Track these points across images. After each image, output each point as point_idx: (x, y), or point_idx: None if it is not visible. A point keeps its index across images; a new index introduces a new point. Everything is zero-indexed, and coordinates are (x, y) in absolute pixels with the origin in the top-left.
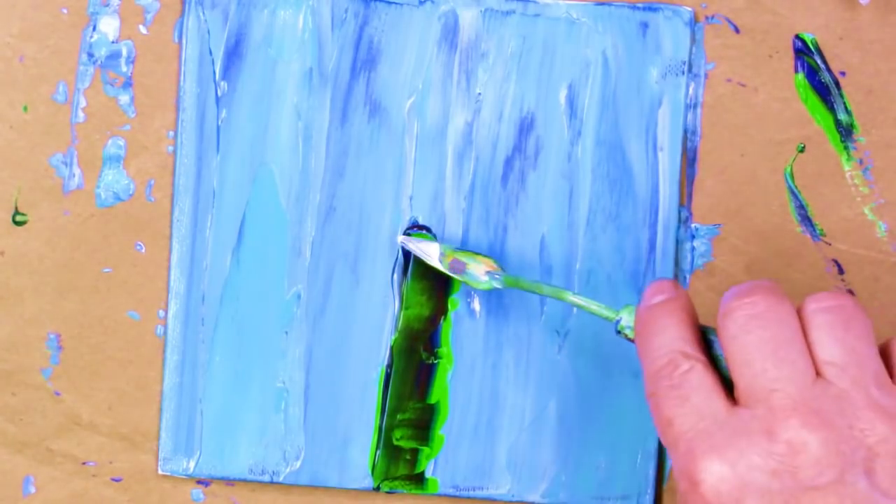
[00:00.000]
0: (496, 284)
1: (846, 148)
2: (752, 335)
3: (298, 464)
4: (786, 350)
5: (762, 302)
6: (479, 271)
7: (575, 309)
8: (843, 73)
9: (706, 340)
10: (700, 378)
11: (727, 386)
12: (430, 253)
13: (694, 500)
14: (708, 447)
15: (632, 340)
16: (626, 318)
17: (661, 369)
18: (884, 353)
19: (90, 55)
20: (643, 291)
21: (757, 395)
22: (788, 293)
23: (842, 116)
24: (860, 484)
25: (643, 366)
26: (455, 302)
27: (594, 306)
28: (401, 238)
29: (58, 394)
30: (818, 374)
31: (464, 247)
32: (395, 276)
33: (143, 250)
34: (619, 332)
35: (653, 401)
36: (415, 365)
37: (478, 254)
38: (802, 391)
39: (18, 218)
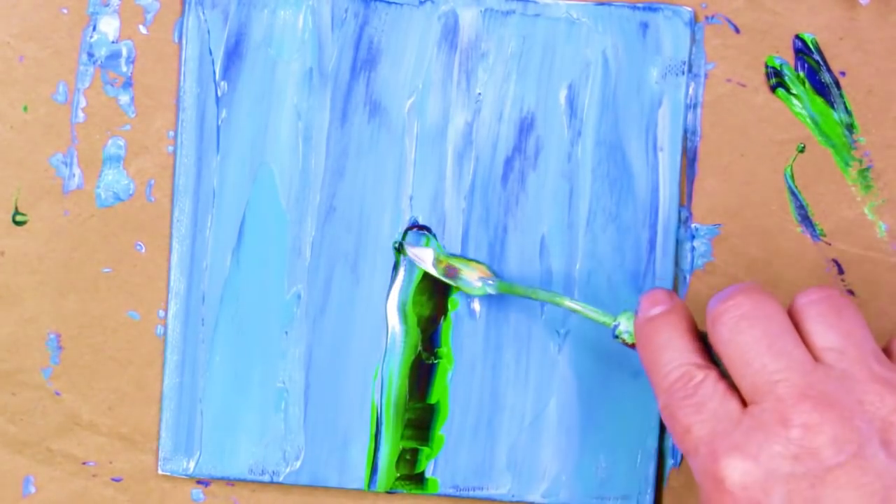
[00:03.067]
0: (490, 290)
1: (846, 148)
2: (744, 335)
3: (298, 464)
4: (780, 342)
5: (747, 301)
6: (472, 277)
7: None
8: (843, 73)
9: (707, 345)
10: (714, 385)
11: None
12: (424, 258)
13: (720, 500)
14: (729, 446)
15: (630, 346)
16: (624, 324)
17: (675, 382)
18: (885, 352)
19: (90, 55)
20: (639, 301)
21: (762, 389)
22: (788, 293)
23: (842, 116)
24: (879, 455)
25: (652, 379)
26: (455, 302)
27: (591, 312)
28: (397, 242)
29: (58, 394)
30: (818, 361)
31: (463, 248)
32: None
33: (143, 250)
34: (616, 338)
35: (667, 412)
36: (415, 365)
37: (472, 260)
38: (806, 377)
39: (18, 218)
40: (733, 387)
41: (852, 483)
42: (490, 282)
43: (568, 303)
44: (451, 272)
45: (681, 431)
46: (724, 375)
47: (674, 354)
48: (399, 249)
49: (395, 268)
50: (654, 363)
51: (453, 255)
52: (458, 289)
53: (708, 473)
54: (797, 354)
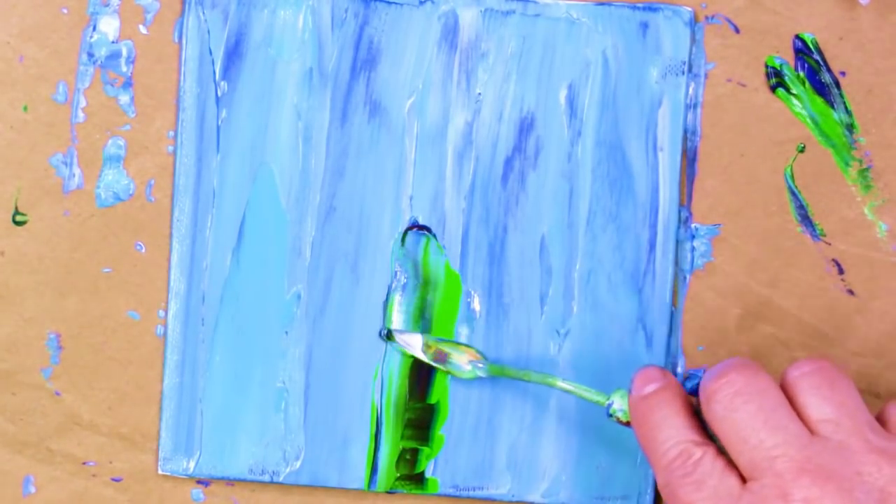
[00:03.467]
0: (480, 374)
1: (846, 148)
2: (739, 412)
3: (298, 464)
4: (775, 417)
5: (739, 378)
6: (462, 361)
7: (575, 308)
8: (843, 73)
9: (703, 422)
10: (712, 462)
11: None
12: (413, 344)
13: None
14: None
15: (624, 424)
16: (618, 402)
17: (674, 461)
18: (879, 419)
19: (90, 55)
20: (632, 380)
21: (761, 466)
22: (788, 293)
23: (842, 116)
24: None
25: (650, 457)
26: (456, 306)
27: (583, 392)
28: (384, 330)
29: (58, 394)
30: (813, 433)
31: (463, 248)
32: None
33: (143, 250)
34: (610, 416)
35: (668, 490)
36: (415, 365)
37: (461, 344)
38: (803, 451)
39: (18, 218)
40: (731, 463)
41: None
42: (480, 365)
43: (560, 383)
44: (441, 357)
45: None
46: (722, 451)
47: (671, 432)
48: (387, 337)
49: (396, 275)
50: (651, 441)
51: (442, 340)
52: (451, 372)
53: None
54: (793, 428)
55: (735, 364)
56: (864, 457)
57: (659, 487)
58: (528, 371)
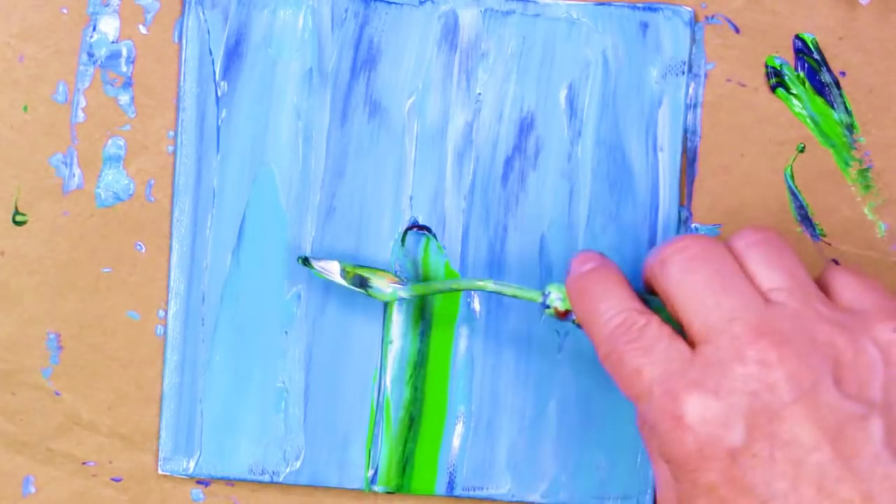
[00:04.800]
0: (402, 294)
1: (846, 148)
2: (696, 274)
3: (298, 464)
4: (733, 282)
5: (695, 244)
6: (381, 284)
7: None
8: (843, 73)
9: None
10: (658, 328)
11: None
12: (332, 269)
13: (679, 437)
14: (686, 383)
15: (562, 315)
16: (555, 293)
17: (617, 328)
18: (819, 283)
19: (90, 55)
20: (569, 263)
21: (717, 328)
22: None
23: (842, 116)
24: (832, 392)
25: (591, 330)
26: (456, 305)
27: (517, 290)
28: (301, 257)
29: (58, 394)
30: (766, 300)
31: (463, 248)
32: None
33: (143, 250)
34: (547, 308)
35: (613, 358)
36: (415, 365)
37: (378, 269)
38: (759, 316)
39: (18, 218)
40: (678, 331)
41: (808, 418)
42: (401, 287)
43: (492, 285)
44: (360, 282)
45: (630, 375)
46: (667, 321)
47: (612, 302)
48: (304, 263)
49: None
50: (591, 314)
51: (359, 266)
52: (373, 295)
53: (666, 412)
54: (749, 294)
55: (688, 235)
56: (818, 325)
57: (601, 359)
58: (457, 280)
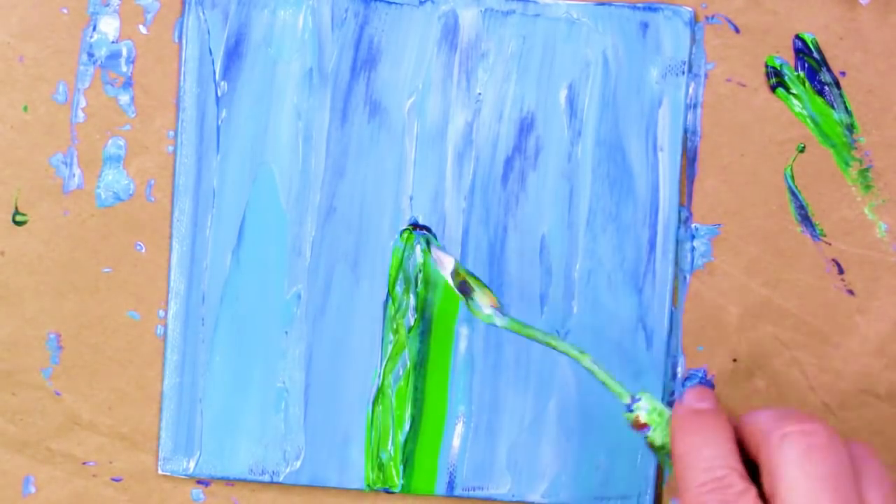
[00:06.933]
0: (497, 322)
1: (846, 148)
2: (816, 467)
3: (298, 464)
4: (843, 491)
5: (823, 433)
6: (483, 302)
7: (575, 308)
8: (843, 73)
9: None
10: (754, 502)
11: None
12: (446, 264)
13: None
14: None
15: (640, 427)
16: (645, 402)
17: (712, 482)
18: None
19: (90, 55)
20: (683, 392)
21: None
22: (789, 293)
23: (842, 116)
24: None
25: (682, 474)
26: (457, 305)
27: (608, 379)
28: (425, 239)
29: (58, 394)
30: None
31: (463, 248)
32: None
33: (143, 250)
34: (630, 412)
35: None
36: (415, 364)
37: (487, 287)
38: None
39: (18, 218)
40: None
41: None
42: (499, 314)
43: (588, 363)
44: (465, 289)
45: None
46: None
47: (718, 452)
48: (427, 246)
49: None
50: (691, 455)
51: (472, 275)
52: (470, 307)
53: None
54: None
55: (814, 417)
56: None
57: (680, 501)
58: (555, 337)
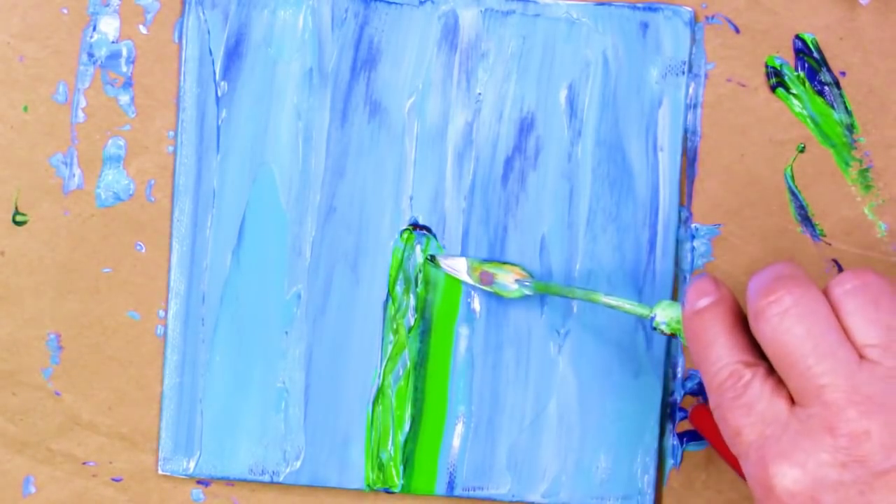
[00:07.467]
0: (527, 291)
1: (846, 148)
2: (787, 335)
3: (298, 464)
4: (824, 342)
5: (787, 297)
6: (508, 280)
7: (575, 308)
8: (843, 73)
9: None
10: (762, 384)
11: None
12: (459, 268)
13: None
14: (776, 453)
15: (670, 335)
16: (661, 315)
17: (724, 382)
18: None
19: (90, 55)
20: (686, 291)
21: (809, 393)
22: None
23: (842, 116)
24: None
25: (703, 376)
26: (455, 304)
27: (627, 305)
28: (429, 254)
29: (58, 394)
30: (860, 356)
31: (463, 248)
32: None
33: (143, 250)
34: (654, 329)
35: (718, 412)
36: (415, 365)
37: (505, 263)
38: (851, 379)
39: (18, 218)
40: (781, 382)
41: None
42: (527, 283)
43: (604, 298)
44: (487, 278)
45: (732, 434)
46: (772, 370)
47: (721, 351)
48: (432, 262)
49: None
50: (703, 360)
51: (487, 261)
52: (498, 293)
53: (758, 480)
54: (842, 355)
55: (784, 277)
56: None
57: (711, 409)
58: (573, 288)
